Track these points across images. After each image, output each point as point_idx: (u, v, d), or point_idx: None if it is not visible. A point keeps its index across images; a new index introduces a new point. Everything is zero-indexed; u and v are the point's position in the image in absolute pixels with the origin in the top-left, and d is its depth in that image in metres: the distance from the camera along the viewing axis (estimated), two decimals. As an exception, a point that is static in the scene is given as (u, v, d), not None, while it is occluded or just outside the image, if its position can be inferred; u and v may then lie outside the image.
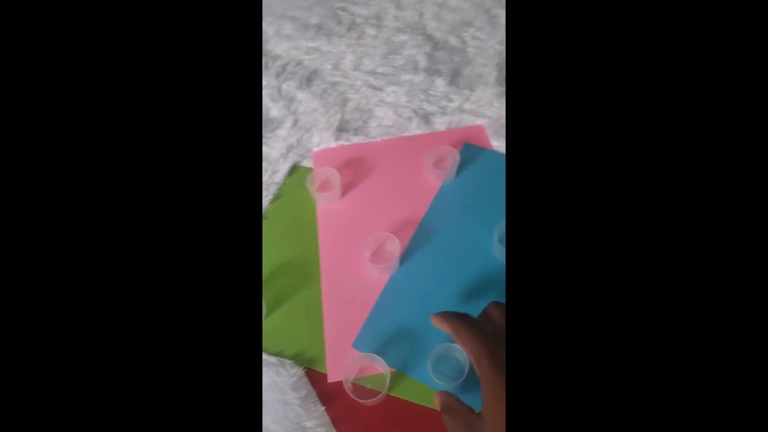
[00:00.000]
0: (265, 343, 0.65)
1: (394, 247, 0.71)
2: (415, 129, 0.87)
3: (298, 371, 0.62)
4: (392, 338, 0.64)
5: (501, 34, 1.00)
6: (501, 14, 1.03)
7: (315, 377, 0.62)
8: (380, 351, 0.63)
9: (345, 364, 0.62)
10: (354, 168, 0.83)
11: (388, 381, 0.59)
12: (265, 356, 0.64)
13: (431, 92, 0.92)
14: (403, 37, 1.01)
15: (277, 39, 1.04)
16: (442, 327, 0.48)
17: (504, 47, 0.97)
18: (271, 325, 0.67)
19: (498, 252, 0.69)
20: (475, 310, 0.66)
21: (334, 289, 0.69)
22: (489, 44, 0.99)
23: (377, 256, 0.72)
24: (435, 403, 0.45)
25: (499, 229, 0.70)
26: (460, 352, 0.60)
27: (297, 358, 0.64)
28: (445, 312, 0.49)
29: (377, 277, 0.70)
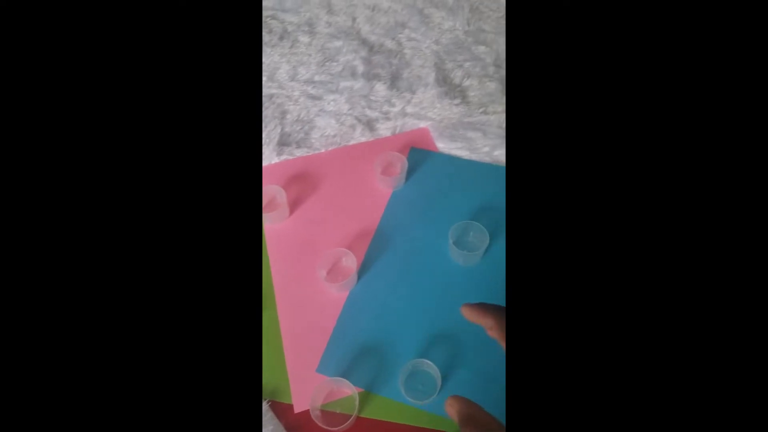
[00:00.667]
0: (223, 380, 0.61)
1: (350, 263, 0.68)
2: (360, 137, 0.85)
3: (262, 405, 0.58)
4: (357, 357, 0.62)
5: (435, 33, 1.00)
6: (434, 14, 1.03)
7: (281, 409, 0.59)
8: (346, 372, 0.60)
9: (311, 391, 0.59)
10: (300, 183, 0.80)
11: (356, 403, 0.57)
12: (224, 394, 0.60)
13: (372, 98, 0.90)
14: (338, 43, 0.99)
15: (206, 53, 0.99)
16: (477, 320, 0.41)
17: (439, 48, 0.97)
18: (227, 359, 0.63)
19: (454, 254, 0.68)
20: (437, 317, 0.65)
21: (292, 313, 0.66)
22: (425, 45, 0.98)
23: (333, 274, 0.69)
24: (450, 413, 0.36)
25: (453, 231, 0.69)
26: (431, 367, 0.58)
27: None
28: (478, 303, 0.42)
29: (335, 295, 0.67)
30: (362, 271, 0.69)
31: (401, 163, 0.78)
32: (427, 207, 0.76)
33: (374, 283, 0.68)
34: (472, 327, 0.62)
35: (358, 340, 0.63)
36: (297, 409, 0.59)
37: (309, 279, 0.68)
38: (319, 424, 0.55)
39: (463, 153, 0.81)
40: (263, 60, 0.97)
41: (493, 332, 0.38)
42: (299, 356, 0.62)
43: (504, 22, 0.98)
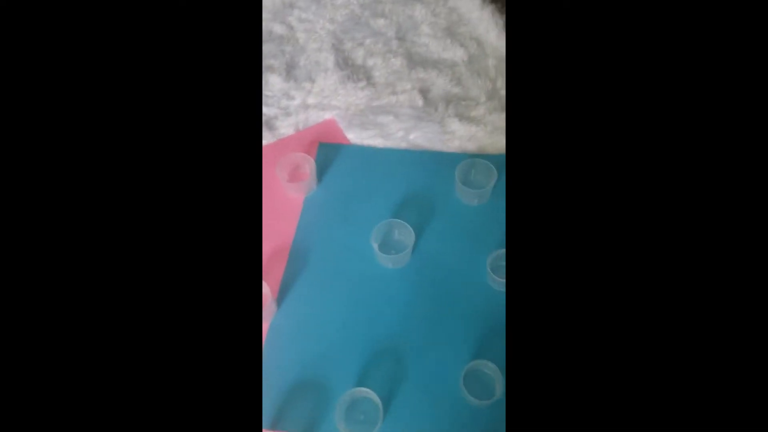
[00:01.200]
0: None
1: (265, 294, 0.60)
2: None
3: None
4: (289, 398, 0.54)
5: (329, 11, 0.90)
6: (324, -12, 0.93)
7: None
8: (277, 418, 0.53)
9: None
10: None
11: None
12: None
13: (267, 93, 0.80)
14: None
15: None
16: None
17: (335, 27, 0.88)
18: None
19: (381, 259, 0.62)
20: (371, 331, 0.58)
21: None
22: (319, 25, 0.88)
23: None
24: None
25: (376, 232, 0.62)
26: (369, 393, 0.52)
27: None
28: None
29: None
30: (281, 297, 0.61)
31: (309, 165, 0.70)
32: (346, 209, 0.68)
33: (296, 309, 0.60)
34: (410, 336, 0.56)
35: (287, 379, 0.55)
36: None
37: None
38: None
39: (377, 141, 0.74)
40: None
41: None
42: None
43: (400, -11, 0.90)
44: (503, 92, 0.77)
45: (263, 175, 0.71)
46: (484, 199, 0.66)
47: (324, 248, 0.65)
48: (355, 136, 0.75)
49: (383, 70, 0.82)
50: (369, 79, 0.81)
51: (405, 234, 0.62)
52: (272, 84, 0.81)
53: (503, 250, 0.60)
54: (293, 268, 0.63)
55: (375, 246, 0.61)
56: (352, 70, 0.81)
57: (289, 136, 0.76)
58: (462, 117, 0.74)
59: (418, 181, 0.69)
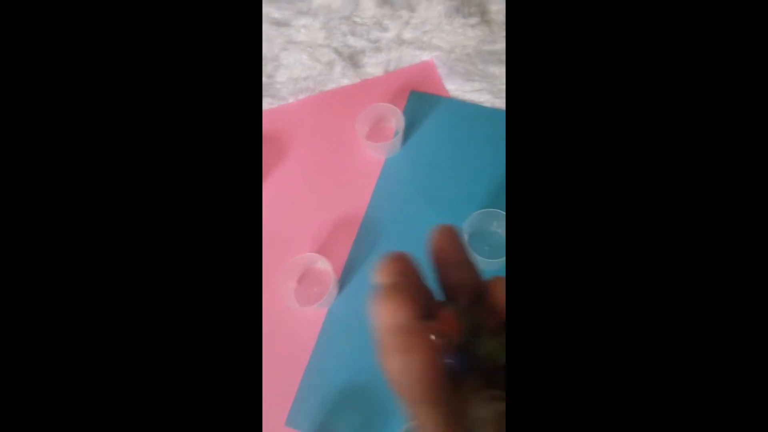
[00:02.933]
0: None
1: (326, 273, 0.50)
2: (341, 78, 0.63)
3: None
4: (339, 405, 0.46)
5: None
6: None
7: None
8: (323, 428, 0.45)
9: None
10: (266, 148, 0.59)
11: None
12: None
13: (356, 20, 0.66)
14: (310, -60, 0.72)
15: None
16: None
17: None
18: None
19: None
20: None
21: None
22: (429, -64, 0.71)
23: (305, 287, 0.51)
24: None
25: (470, 221, 0.49)
26: None
27: None
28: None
29: (308, 315, 0.50)
30: (344, 278, 0.51)
31: (396, 120, 0.57)
32: (433, 183, 0.55)
33: (360, 296, 0.50)
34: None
35: (338, 381, 0.47)
36: (259, 482, 0.44)
37: (273, 290, 0.51)
38: None
39: (484, 98, 0.59)
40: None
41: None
42: (264, 404, 0.47)
43: None
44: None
45: (340, 124, 0.59)
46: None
47: (401, 227, 0.53)
48: (456, 87, 0.60)
49: (503, 4, 0.64)
50: (483, 14, 0.64)
51: (504, 227, 0.49)
52: (364, 8, 0.66)
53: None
54: (362, 245, 0.53)
55: (466, 236, 0.49)
56: (462, 2, 0.65)
57: (376, 77, 0.62)
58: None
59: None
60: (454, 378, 0.21)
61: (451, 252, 0.23)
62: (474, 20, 0.63)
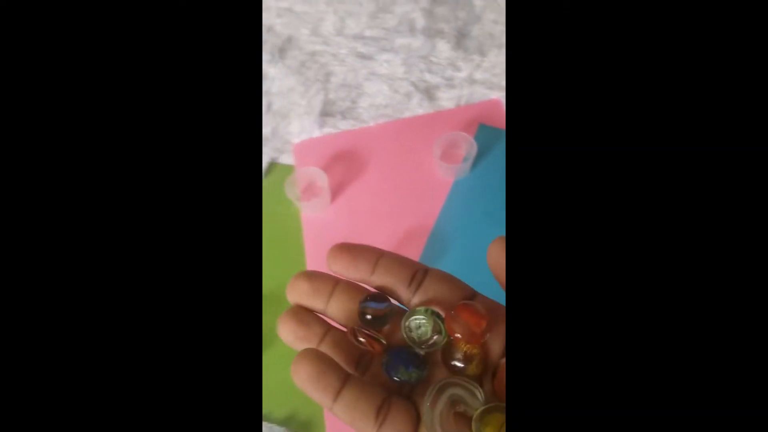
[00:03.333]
0: (247, 404, 0.53)
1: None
2: (417, 108, 0.71)
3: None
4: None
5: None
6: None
7: (313, 449, 0.50)
8: None
9: (348, 428, 0.50)
10: (344, 164, 0.67)
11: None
12: (248, 421, 0.51)
13: (433, 59, 0.75)
14: (395, -11, 0.83)
15: (241, -2, 0.85)
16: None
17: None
18: (254, 377, 0.54)
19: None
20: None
21: (330, 325, 0.56)
22: (500, -7, 0.80)
23: (380, 281, 0.58)
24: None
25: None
26: None
27: (289, 423, 0.51)
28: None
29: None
30: (415, 281, 0.58)
31: (467, 146, 0.64)
32: (498, 204, 0.62)
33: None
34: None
35: (407, 370, 0.52)
36: (332, 450, 0.50)
37: (351, 286, 0.57)
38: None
39: (544, 135, 0.66)
40: (307, 9, 0.82)
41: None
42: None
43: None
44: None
45: (416, 146, 0.67)
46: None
47: (465, 241, 0.60)
48: (520, 125, 0.68)
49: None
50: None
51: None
52: (440, 51, 0.75)
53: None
54: (429, 254, 0.59)
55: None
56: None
57: (449, 109, 0.70)
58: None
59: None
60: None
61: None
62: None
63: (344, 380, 0.23)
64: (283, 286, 0.54)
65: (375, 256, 0.28)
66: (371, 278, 0.27)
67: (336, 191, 0.65)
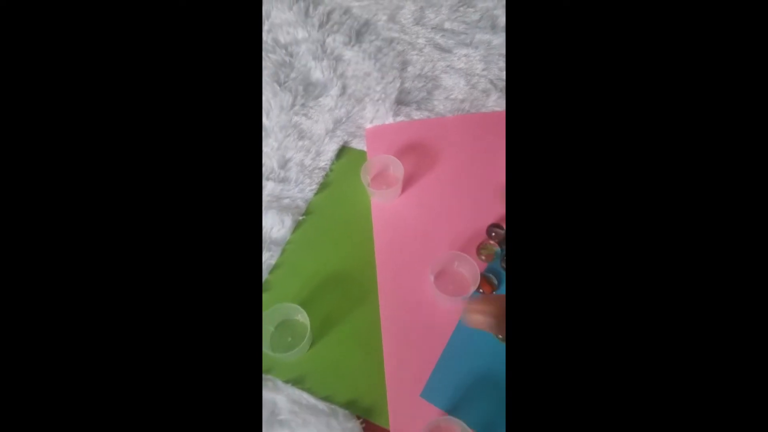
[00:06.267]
0: (310, 383, 0.53)
1: (469, 271, 0.56)
2: (494, 105, 0.70)
3: (354, 426, 0.50)
4: (472, 389, 0.51)
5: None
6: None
7: (374, 433, 0.50)
8: (456, 406, 0.50)
9: (412, 418, 0.49)
10: (417, 154, 0.67)
11: (471, 453, 0.46)
12: (312, 400, 0.51)
13: (513, 59, 0.74)
14: (477, -17, 0.82)
15: (320, -22, 0.85)
16: (479, 312, 0.41)
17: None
18: (317, 357, 0.54)
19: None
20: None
21: (395, 315, 0.56)
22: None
23: (445, 281, 0.57)
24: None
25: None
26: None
27: (352, 407, 0.51)
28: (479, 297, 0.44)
29: (449, 306, 0.56)
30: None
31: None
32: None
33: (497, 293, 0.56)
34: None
35: (474, 367, 0.52)
36: (394, 438, 0.49)
37: (418, 278, 0.57)
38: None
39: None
40: (385, -6, 0.81)
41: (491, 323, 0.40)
42: (401, 372, 0.53)
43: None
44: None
45: (492, 142, 0.66)
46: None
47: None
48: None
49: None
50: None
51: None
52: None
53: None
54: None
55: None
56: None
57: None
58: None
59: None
60: None
61: None
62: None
63: None
64: (349, 267, 0.59)
65: None
66: None
67: (407, 180, 0.65)
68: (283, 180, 0.65)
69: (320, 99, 0.72)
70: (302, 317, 0.53)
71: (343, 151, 0.69)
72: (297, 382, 0.53)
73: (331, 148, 0.68)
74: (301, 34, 0.78)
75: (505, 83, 0.72)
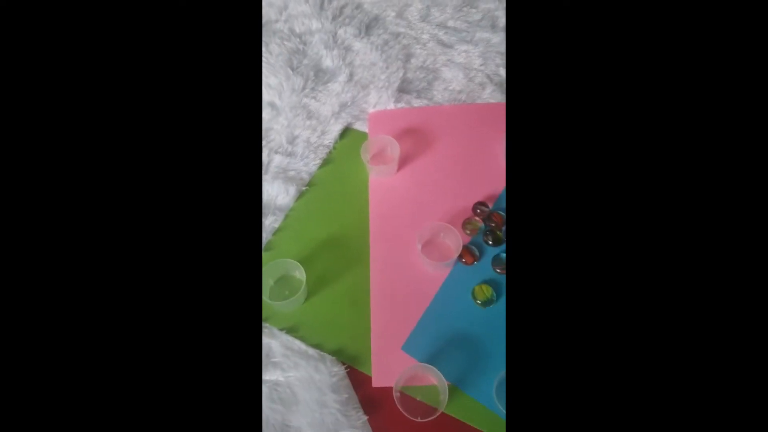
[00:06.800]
0: (303, 332, 0.58)
1: (453, 242, 0.61)
2: (488, 98, 0.75)
3: (339, 370, 0.55)
4: (448, 345, 0.56)
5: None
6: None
7: (358, 379, 0.55)
8: (434, 358, 0.55)
9: (392, 367, 0.54)
10: (414, 137, 0.72)
11: (445, 398, 0.51)
12: (303, 346, 0.56)
13: (510, 56, 0.79)
14: (481, -13, 0.88)
15: (335, -25, 0.91)
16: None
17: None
18: (311, 310, 0.59)
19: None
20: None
21: (384, 277, 0.61)
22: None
23: (431, 249, 0.62)
24: None
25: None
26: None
27: (339, 354, 0.56)
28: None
29: (433, 272, 0.61)
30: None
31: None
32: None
33: (482, 263, 0.61)
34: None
35: (452, 327, 0.57)
36: (375, 384, 0.54)
37: (407, 246, 0.62)
38: (399, 408, 0.51)
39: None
40: (395, -7, 0.88)
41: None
42: (385, 327, 0.58)
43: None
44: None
45: (484, 132, 0.71)
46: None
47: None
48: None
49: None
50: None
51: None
52: (517, 49, 0.79)
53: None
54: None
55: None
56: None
57: (518, 104, 0.75)
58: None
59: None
60: None
61: None
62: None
63: None
64: (346, 233, 0.63)
65: None
66: None
67: (403, 160, 0.70)
68: (290, 154, 0.71)
69: (329, 84, 0.78)
70: (299, 273, 0.59)
71: (346, 131, 0.74)
72: (291, 330, 0.58)
73: (335, 128, 0.73)
74: (315, 25, 0.84)
75: (500, 78, 0.77)
